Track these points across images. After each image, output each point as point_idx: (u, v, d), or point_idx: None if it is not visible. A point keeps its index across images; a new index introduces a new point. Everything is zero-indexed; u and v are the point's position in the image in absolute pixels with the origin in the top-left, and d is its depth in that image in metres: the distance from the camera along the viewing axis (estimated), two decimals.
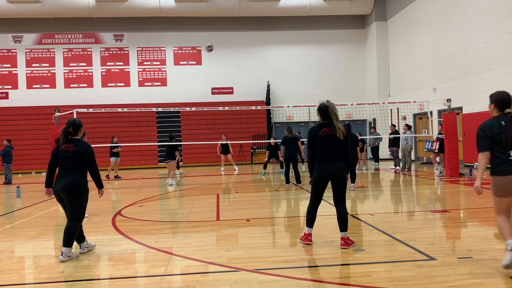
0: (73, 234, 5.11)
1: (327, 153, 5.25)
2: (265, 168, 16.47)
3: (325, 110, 5.28)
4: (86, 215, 8.23)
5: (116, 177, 16.36)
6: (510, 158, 4.12)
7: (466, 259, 4.63)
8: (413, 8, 20.80)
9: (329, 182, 5.35)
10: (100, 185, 5.45)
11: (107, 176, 16.13)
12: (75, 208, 5.15)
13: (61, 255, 5.02)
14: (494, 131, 4.16)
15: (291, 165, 12.53)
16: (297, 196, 10.11)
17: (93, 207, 8.81)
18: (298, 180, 12.51)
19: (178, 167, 17.08)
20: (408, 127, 15.89)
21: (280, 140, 13.32)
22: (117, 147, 16.01)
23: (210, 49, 15.76)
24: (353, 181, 10.93)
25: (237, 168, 18.93)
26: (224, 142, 18.48)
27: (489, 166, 4.29)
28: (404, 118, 21.55)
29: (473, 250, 4.95)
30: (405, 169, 15.77)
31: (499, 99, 4.31)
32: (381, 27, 24.24)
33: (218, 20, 25.05)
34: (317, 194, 5.39)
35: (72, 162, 5.15)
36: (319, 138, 5.27)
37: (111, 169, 16.34)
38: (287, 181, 12.41)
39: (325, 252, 5.16)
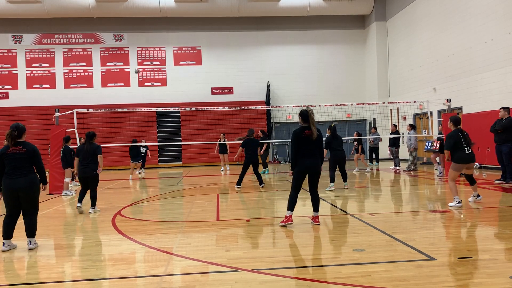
0: (36, 225, 5.73)
1: (308, 151, 6.41)
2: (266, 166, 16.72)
3: (306, 115, 6.41)
4: (98, 208, 8.56)
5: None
6: (467, 152, 7.70)
7: (466, 259, 4.63)
8: (413, 8, 20.80)
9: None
10: (44, 182, 5.93)
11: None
12: (33, 204, 5.70)
13: (30, 243, 5.63)
14: (457, 138, 7.80)
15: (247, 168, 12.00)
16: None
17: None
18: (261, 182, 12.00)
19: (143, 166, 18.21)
20: (412, 127, 15.85)
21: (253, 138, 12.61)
22: None
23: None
24: (345, 180, 11.15)
25: (228, 168, 18.96)
26: (222, 142, 18.51)
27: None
28: (404, 118, 21.55)
29: (473, 250, 4.95)
30: (412, 169, 15.76)
31: (455, 120, 8.07)
32: (381, 27, 24.24)
33: (218, 20, 25.06)
34: (299, 185, 6.57)
35: (24, 162, 5.61)
36: (302, 138, 6.37)
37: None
38: (239, 183, 11.77)
39: (325, 252, 5.16)
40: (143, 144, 17.90)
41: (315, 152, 6.47)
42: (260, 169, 16.99)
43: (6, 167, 5.59)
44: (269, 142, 17.04)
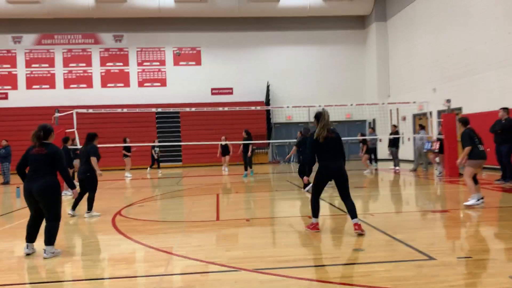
0: (54, 233, 5.28)
1: (327, 153, 5.95)
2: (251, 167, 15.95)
3: (317, 116, 6.12)
4: (98, 213, 8.10)
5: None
6: (481, 149, 7.84)
7: (466, 259, 4.63)
8: (413, 8, 20.81)
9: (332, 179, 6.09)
10: (72, 186, 5.61)
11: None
12: (53, 209, 5.28)
13: (44, 253, 5.17)
14: (472, 135, 7.87)
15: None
16: (296, 196, 10.11)
17: (93, 207, 8.79)
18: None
19: (159, 167, 19.06)
20: (422, 127, 15.72)
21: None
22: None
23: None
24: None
25: (227, 169, 18.71)
26: (223, 143, 18.44)
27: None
28: (404, 118, 21.54)
29: (473, 250, 4.95)
30: (413, 168, 15.66)
31: (464, 121, 8.14)
32: (381, 28, 24.24)
33: (218, 20, 25.06)
34: (320, 189, 6.11)
35: (43, 165, 5.28)
36: (319, 141, 5.94)
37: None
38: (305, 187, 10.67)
39: (325, 252, 5.16)
40: (156, 144, 17.99)
41: (335, 154, 5.96)
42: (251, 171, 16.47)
43: (29, 167, 5.35)
44: (254, 143, 16.21)
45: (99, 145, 8.51)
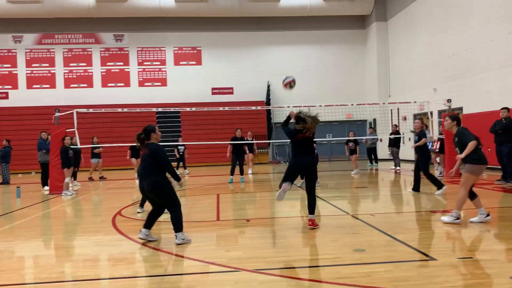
0: (179, 220, 5.63)
1: (302, 148, 6.38)
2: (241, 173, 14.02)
3: (304, 119, 6.40)
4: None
5: (101, 178, 16.09)
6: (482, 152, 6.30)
7: (466, 259, 4.62)
8: (414, 9, 20.80)
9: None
10: (177, 179, 5.92)
11: (90, 178, 15.98)
12: (167, 201, 5.68)
13: (176, 238, 5.58)
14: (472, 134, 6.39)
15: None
16: (296, 197, 10.09)
17: (93, 207, 8.81)
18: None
19: (178, 167, 17.38)
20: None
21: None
22: (98, 147, 15.80)
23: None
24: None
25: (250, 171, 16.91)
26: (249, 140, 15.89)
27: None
28: (404, 118, 21.54)
29: (473, 250, 4.95)
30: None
31: (459, 119, 6.74)
32: (382, 28, 24.23)
33: (218, 20, 25.05)
34: (288, 177, 6.37)
35: (149, 164, 5.68)
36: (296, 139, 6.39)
37: (94, 170, 16.21)
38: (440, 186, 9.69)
39: (325, 252, 5.16)
40: (180, 143, 17.62)
41: (308, 151, 6.38)
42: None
43: (141, 166, 5.80)
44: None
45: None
